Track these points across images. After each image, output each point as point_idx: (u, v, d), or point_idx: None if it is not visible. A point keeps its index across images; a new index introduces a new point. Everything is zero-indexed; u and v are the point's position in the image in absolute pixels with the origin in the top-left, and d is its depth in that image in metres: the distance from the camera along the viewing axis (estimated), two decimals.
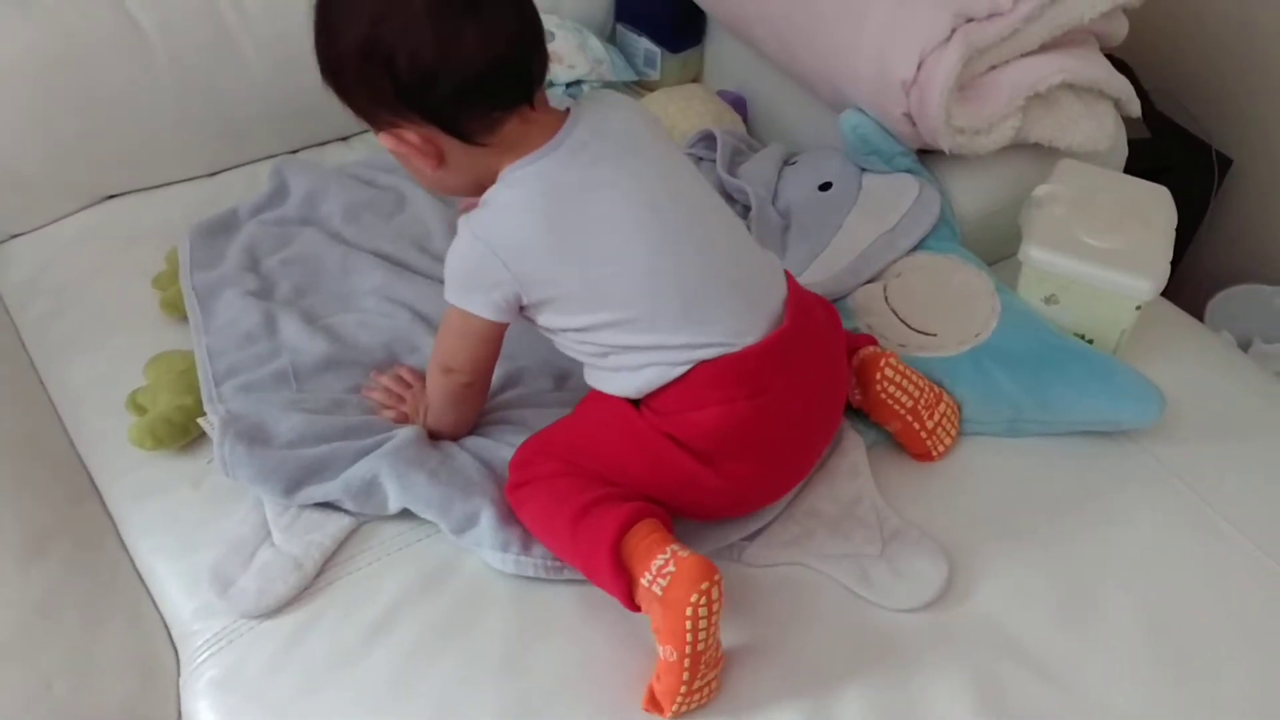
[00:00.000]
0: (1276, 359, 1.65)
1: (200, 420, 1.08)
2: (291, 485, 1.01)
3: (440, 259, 1.06)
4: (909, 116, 1.21)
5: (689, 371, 0.94)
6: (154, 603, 1.03)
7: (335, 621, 0.96)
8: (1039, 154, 1.30)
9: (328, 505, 1.02)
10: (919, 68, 1.18)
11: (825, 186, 1.29)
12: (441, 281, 0.99)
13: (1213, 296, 1.68)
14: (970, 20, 1.19)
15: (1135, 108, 1.35)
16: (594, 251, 0.94)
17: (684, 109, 1.45)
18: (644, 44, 1.56)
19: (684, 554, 0.88)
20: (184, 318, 1.20)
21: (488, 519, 0.99)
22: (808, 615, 0.98)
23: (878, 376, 1.06)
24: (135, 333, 1.20)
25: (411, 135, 0.93)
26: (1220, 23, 1.68)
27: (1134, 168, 1.36)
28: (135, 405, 1.10)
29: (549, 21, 1.50)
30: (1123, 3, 1.28)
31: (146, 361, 1.15)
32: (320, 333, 1.15)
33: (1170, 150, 1.67)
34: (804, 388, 0.98)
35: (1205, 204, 1.71)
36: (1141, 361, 1.15)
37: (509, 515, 1.00)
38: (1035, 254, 1.16)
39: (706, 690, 0.90)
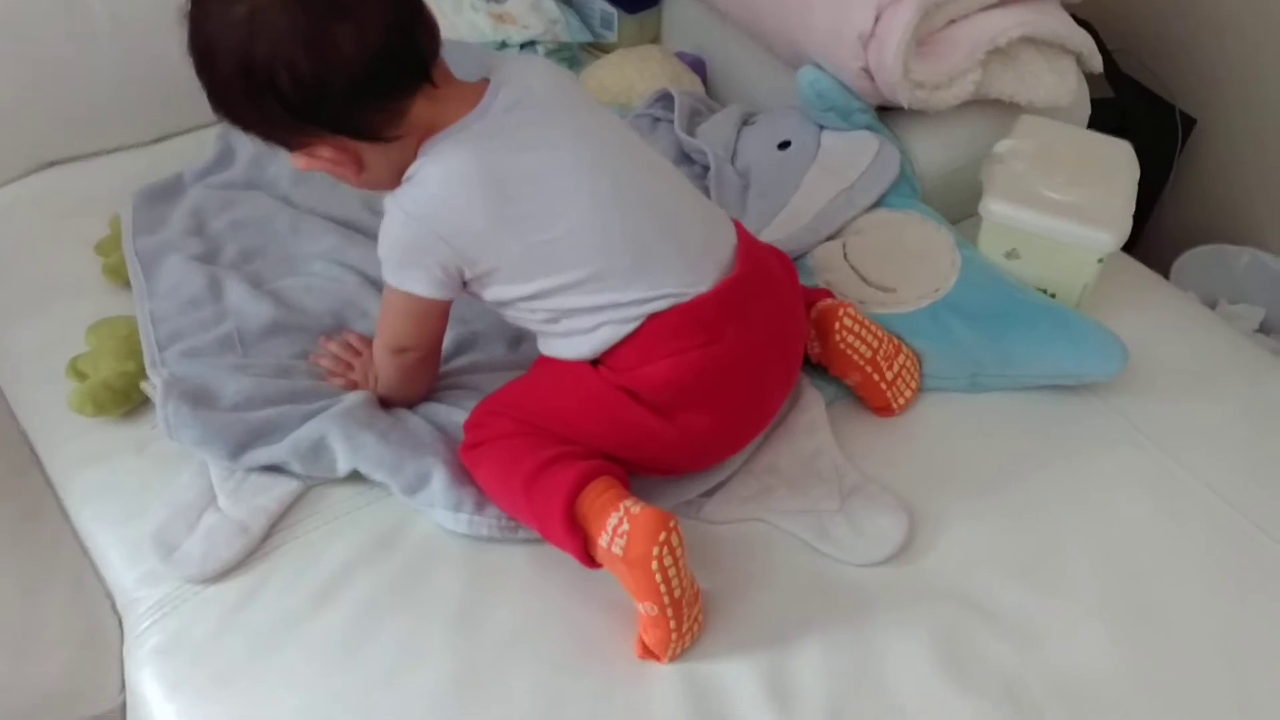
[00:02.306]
0: (1241, 319, 1.65)
1: (143, 385, 1.05)
2: (237, 448, 0.98)
3: None
4: (866, 71, 1.20)
5: (642, 325, 0.93)
6: (96, 572, 1.00)
7: (283, 585, 0.93)
8: (999, 110, 1.29)
9: (274, 469, 1.00)
10: (876, 21, 1.16)
11: (784, 145, 1.27)
12: None
13: (1178, 257, 1.67)
14: None
15: (1097, 63, 1.33)
16: (538, 213, 0.91)
17: (641, 70, 1.43)
18: (600, 5, 1.54)
19: (636, 509, 0.86)
20: (127, 284, 1.17)
21: (440, 479, 0.97)
22: (767, 571, 0.96)
23: (836, 326, 1.05)
24: (77, 300, 1.17)
25: (323, 150, 0.90)
26: None
27: (1097, 126, 1.34)
28: (76, 372, 1.07)
29: None
30: None
31: (88, 328, 1.11)
32: (267, 298, 1.12)
33: (1134, 109, 1.66)
34: (758, 335, 0.96)
35: (1169, 164, 1.70)
36: (1105, 316, 1.14)
37: (462, 475, 0.98)
38: (995, 208, 1.14)
39: (695, 627, 0.90)
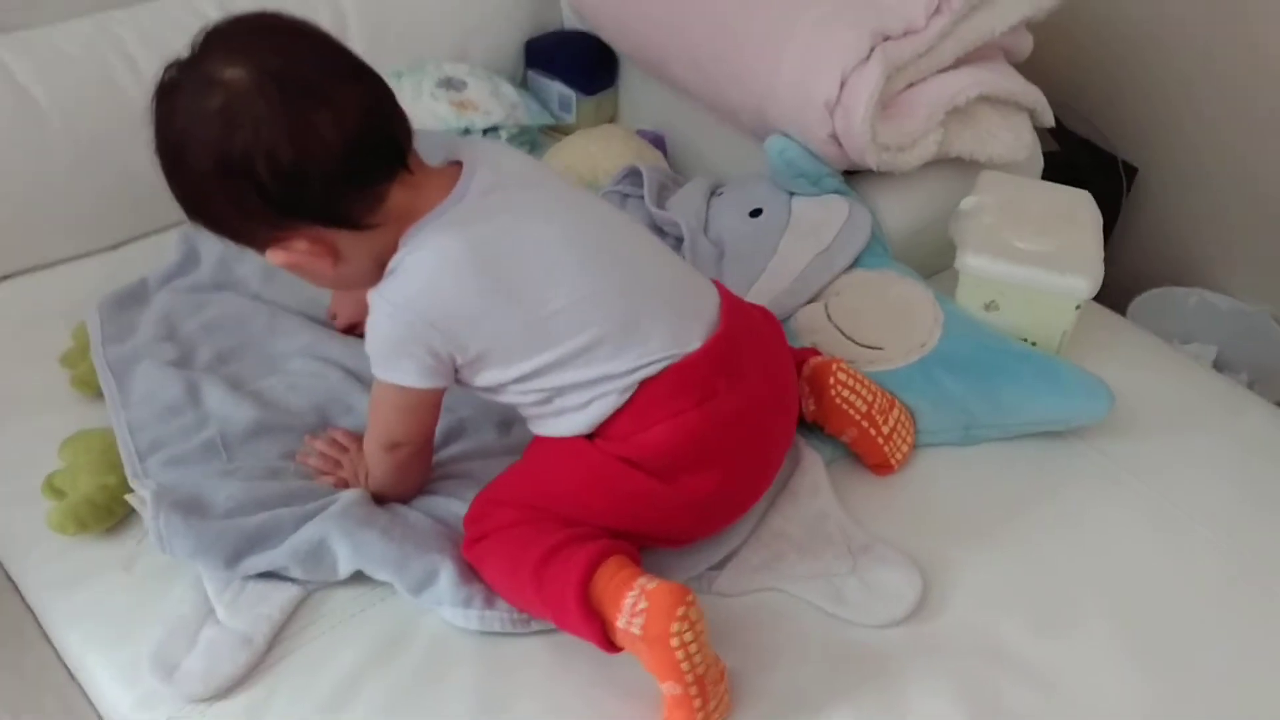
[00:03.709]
0: (1195, 359, 1.69)
1: (128, 497, 1.01)
2: (233, 556, 0.95)
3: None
4: (834, 137, 1.22)
5: (635, 392, 0.92)
6: (87, 698, 0.95)
7: (292, 697, 0.89)
8: (960, 168, 1.32)
9: (273, 575, 0.96)
10: (841, 87, 1.19)
11: (756, 213, 1.28)
12: None
13: (1129, 301, 1.71)
14: (887, 39, 1.21)
15: (1048, 117, 1.38)
16: (531, 288, 0.91)
17: (605, 148, 1.44)
18: (557, 88, 1.55)
19: (651, 585, 0.85)
20: (98, 395, 1.13)
21: (447, 575, 0.94)
22: (786, 641, 0.95)
23: (831, 381, 1.05)
24: (45, 414, 1.12)
25: (299, 242, 0.88)
26: (1117, 37, 1.74)
27: (1046, 179, 1.38)
28: (53, 489, 1.02)
29: (459, 70, 1.50)
30: (1029, 16, 1.31)
31: (61, 443, 1.07)
32: (247, 399, 1.09)
33: (1078, 162, 1.71)
34: (752, 388, 0.96)
35: (1116, 212, 1.75)
36: (1081, 360, 1.16)
37: (469, 569, 0.95)
38: (971, 261, 1.16)
39: (722, 706, 0.87)
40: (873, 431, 1.07)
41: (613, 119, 1.61)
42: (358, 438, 1.07)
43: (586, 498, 0.92)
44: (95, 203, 1.33)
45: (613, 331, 0.91)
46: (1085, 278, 1.14)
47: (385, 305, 0.89)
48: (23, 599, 1.03)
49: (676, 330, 0.93)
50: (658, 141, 1.51)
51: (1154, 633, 0.97)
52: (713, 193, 1.35)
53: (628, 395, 0.92)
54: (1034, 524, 1.06)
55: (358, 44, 1.41)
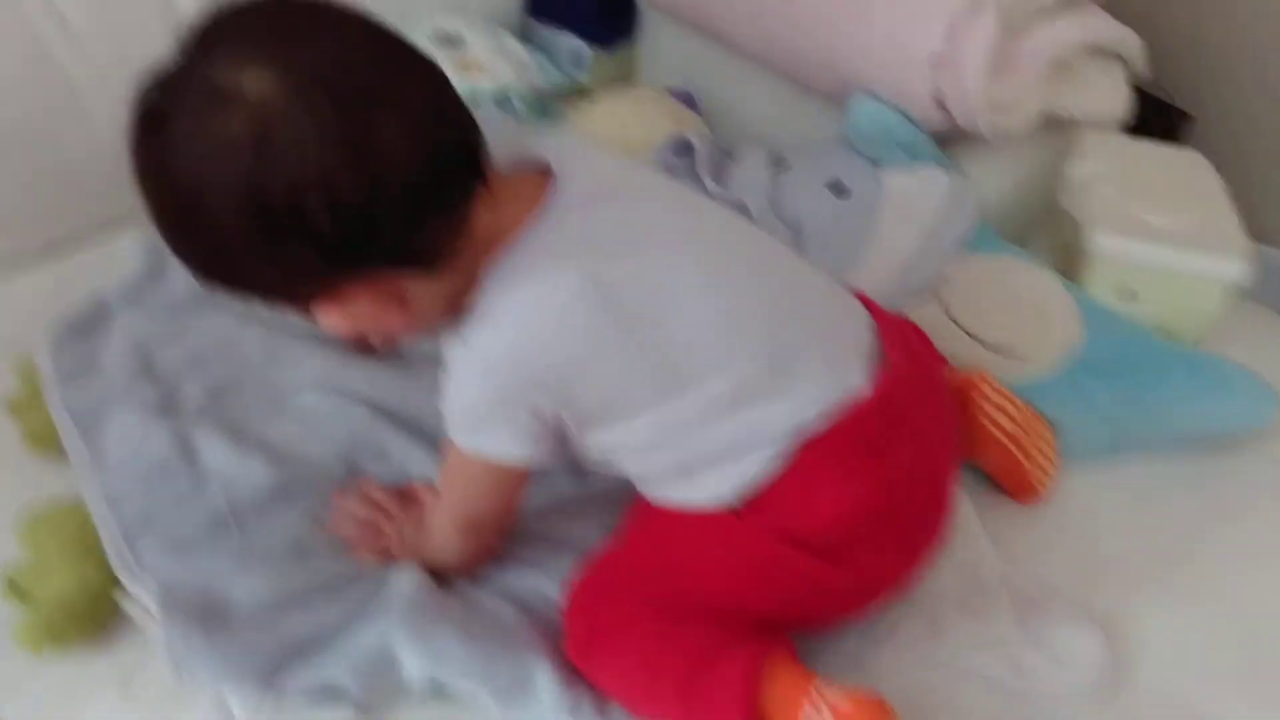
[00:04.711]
0: None
1: (117, 596, 0.79)
2: (270, 671, 0.74)
3: None
4: (938, 98, 1.03)
5: (795, 452, 0.73)
6: None
7: None
8: (1052, 128, 1.14)
9: (320, 687, 0.75)
10: (949, 40, 0.99)
11: (837, 188, 1.09)
12: (403, 361, 0.79)
13: None
14: None
15: (1143, 66, 1.20)
16: (656, 321, 0.71)
17: (637, 114, 1.23)
18: (567, 41, 1.33)
19: (836, 696, 0.68)
20: (59, 453, 0.90)
21: (546, 678, 0.74)
22: None
23: (977, 399, 0.89)
24: None
25: (359, 295, 0.66)
26: None
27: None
28: (17, 591, 0.80)
29: (454, 23, 1.26)
30: None
31: (20, 524, 0.84)
32: (255, 451, 0.87)
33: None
34: (928, 435, 0.79)
35: None
36: (1221, 354, 1.00)
37: (570, 670, 0.76)
38: (1107, 243, 0.99)
39: None
40: (1019, 454, 0.90)
41: (630, 76, 1.38)
42: (396, 492, 0.87)
43: (732, 584, 0.74)
44: (26, 196, 1.08)
45: (761, 371, 0.72)
46: (1235, 258, 0.98)
47: (475, 359, 0.69)
48: None
49: (836, 366, 0.75)
50: (688, 101, 1.30)
51: None
52: (775, 165, 1.15)
53: (785, 454, 0.72)
54: (1219, 560, 0.90)
55: None
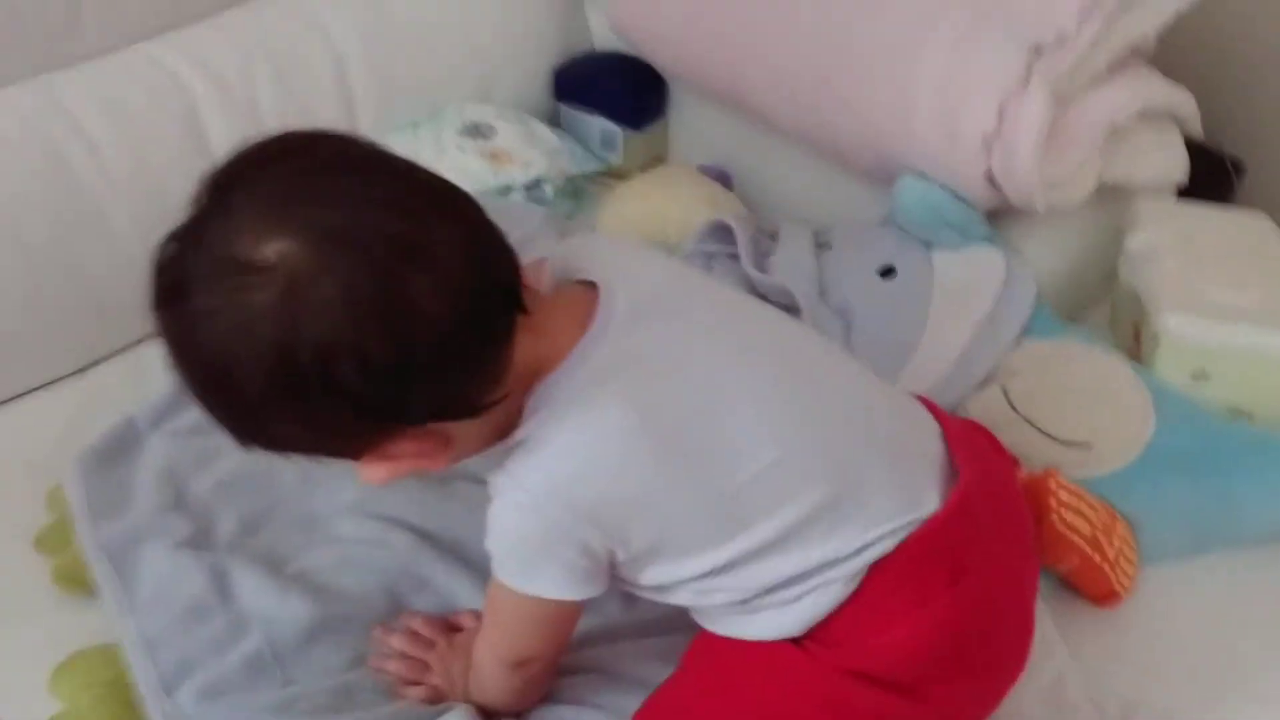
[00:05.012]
0: None
1: None
2: None
3: None
4: (990, 177, 0.98)
5: (864, 579, 0.68)
6: None
7: None
8: (1104, 196, 1.09)
9: None
10: (1000, 117, 0.95)
11: (887, 272, 1.04)
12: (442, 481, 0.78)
13: None
14: (1040, 52, 0.97)
15: (1197, 125, 1.15)
16: (715, 451, 0.66)
17: (671, 196, 1.19)
18: (599, 124, 1.29)
19: None
20: (90, 591, 0.86)
21: None
22: None
23: (1052, 503, 0.83)
24: (21, 625, 0.85)
25: (403, 447, 0.63)
26: (1210, 26, 1.52)
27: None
28: None
29: (484, 113, 1.23)
30: (1181, 8, 1.08)
31: (52, 671, 0.81)
32: (293, 587, 0.84)
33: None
34: (1003, 548, 0.73)
35: None
36: None
37: None
38: (1178, 323, 0.94)
39: None
40: (1098, 558, 0.85)
41: (662, 156, 1.35)
42: (443, 624, 0.83)
43: None
44: (52, 317, 1.06)
45: (828, 499, 0.67)
46: None
47: (521, 496, 0.65)
48: None
49: (907, 486, 0.70)
50: (723, 179, 1.26)
51: None
52: (820, 247, 1.11)
53: (854, 584, 0.68)
54: None
55: (362, 93, 1.14)
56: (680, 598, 0.71)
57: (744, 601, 0.69)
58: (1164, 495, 0.89)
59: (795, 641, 0.70)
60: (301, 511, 0.91)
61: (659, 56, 1.26)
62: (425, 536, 0.88)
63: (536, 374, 0.65)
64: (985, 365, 0.97)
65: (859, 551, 0.68)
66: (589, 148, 1.30)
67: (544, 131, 1.24)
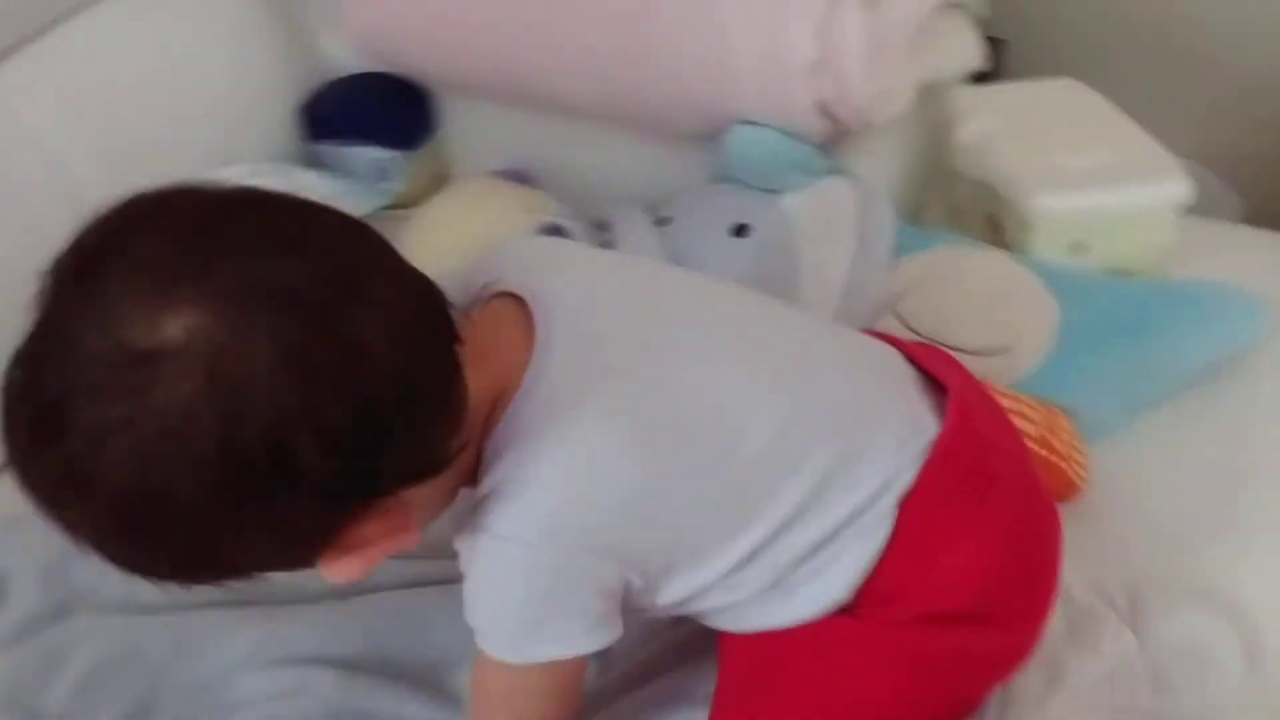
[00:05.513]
0: None
1: None
2: None
3: None
4: (823, 106, 0.93)
5: (897, 521, 0.62)
6: None
7: None
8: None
9: None
10: (821, 42, 0.90)
11: (740, 230, 0.97)
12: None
13: None
14: None
15: (984, 9, 1.15)
16: (710, 441, 0.59)
17: (477, 212, 1.08)
18: (367, 154, 1.15)
19: None
20: None
21: None
22: None
23: None
24: None
25: (368, 529, 0.51)
26: None
27: None
28: None
29: (236, 176, 1.07)
30: None
31: None
32: None
33: None
34: (1012, 450, 0.70)
35: None
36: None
37: None
38: (1049, 203, 0.93)
39: None
40: (1053, 457, 0.82)
41: (445, 171, 1.23)
42: None
43: (880, 702, 0.62)
44: None
45: (837, 451, 0.61)
46: (1176, 178, 0.93)
47: (514, 550, 0.55)
48: None
49: (903, 412, 0.65)
50: (523, 179, 1.16)
51: None
52: (657, 222, 1.03)
53: (888, 526, 0.62)
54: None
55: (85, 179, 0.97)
56: (706, 603, 0.63)
57: (777, 583, 0.61)
58: (1089, 374, 0.88)
59: (846, 611, 0.63)
60: (189, 681, 0.75)
61: (419, 66, 1.14)
62: (350, 666, 0.74)
63: (493, 405, 0.56)
64: (870, 297, 0.92)
65: (881, 491, 0.62)
66: (363, 183, 1.16)
67: (308, 179, 1.10)
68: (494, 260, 0.63)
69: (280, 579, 0.74)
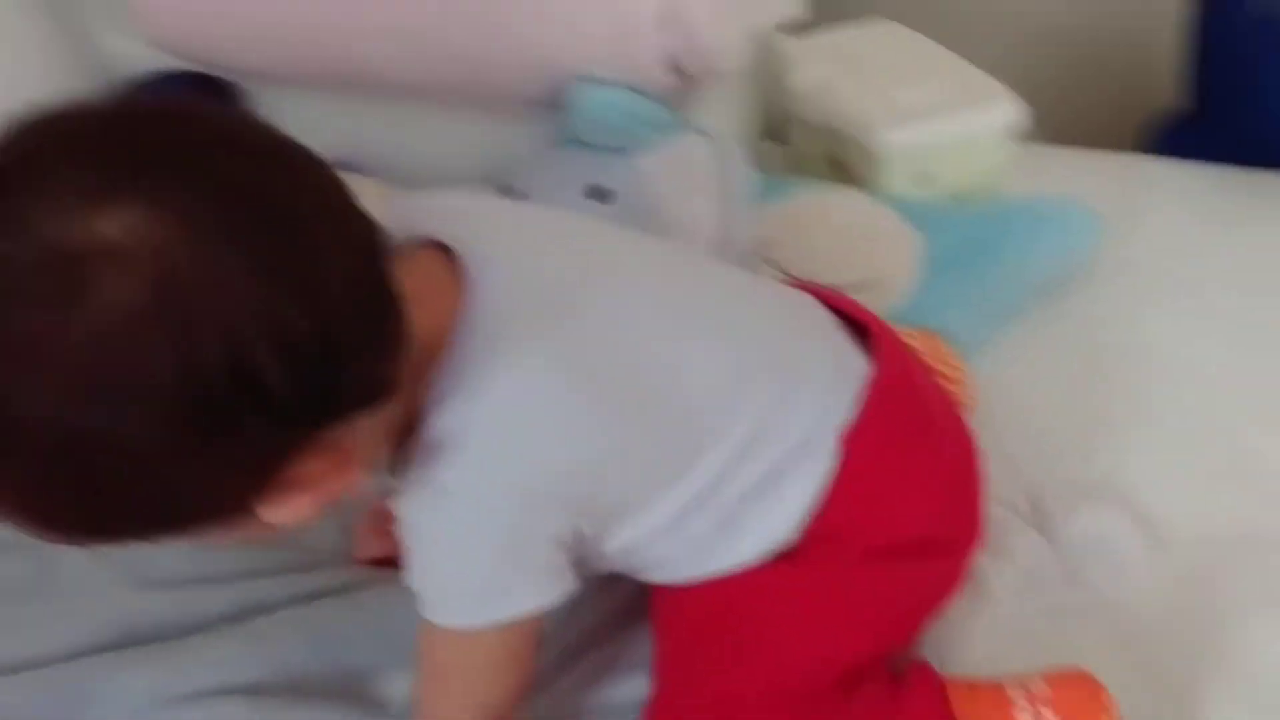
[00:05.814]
0: None
1: None
2: None
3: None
4: (671, 59, 0.92)
5: (844, 458, 0.62)
6: None
7: None
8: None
9: None
10: None
11: (596, 193, 0.95)
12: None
13: None
14: None
15: None
16: (656, 375, 0.58)
17: None
18: None
19: (1038, 687, 0.63)
20: None
21: None
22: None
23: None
24: None
25: (314, 466, 0.47)
26: None
27: None
28: None
29: None
30: None
31: None
32: None
33: None
34: (934, 384, 0.73)
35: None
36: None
37: None
38: (895, 137, 0.96)
39: None
40: (945, 382, 0.84)
41: None
42: None
43: (834, 639, 0.62)
44: None
45: (778, 385, 0.61)
46: (1005, 101, 0.98)
47: (461, 505, 0.52)
48: None
49: (833, 350, 0.66)
50: (353, 168, 1.09)
51: None
52: (507, 196, 0.99)
53: (832, 459, 0.62)
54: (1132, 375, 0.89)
55: None
56: (653, 552, 0.61)
57: (724, 523, 0.60)
58: (957, 296, 0.91)
59: (787, 559, 0.62)
60: None
61: (219, 59, 1.06)
62: (258, 691, 0.68)
63: (425, 357, 0.52)
64: (739, 248, 0.92)
65: (819, 423, 0.62)
66: None
67: None
68: (410, 207, 0.59)
69: (166, 606, 0.68)
